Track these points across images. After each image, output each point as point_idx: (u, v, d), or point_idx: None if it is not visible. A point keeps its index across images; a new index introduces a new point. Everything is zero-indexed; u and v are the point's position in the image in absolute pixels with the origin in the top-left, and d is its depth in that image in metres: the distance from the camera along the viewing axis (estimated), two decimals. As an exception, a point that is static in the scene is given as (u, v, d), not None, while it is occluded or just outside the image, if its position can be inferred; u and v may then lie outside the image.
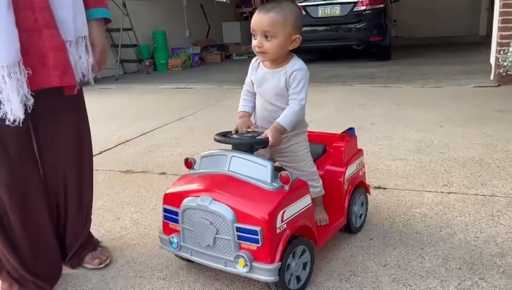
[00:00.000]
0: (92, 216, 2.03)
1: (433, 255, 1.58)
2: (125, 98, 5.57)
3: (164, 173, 2.60)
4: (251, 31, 1.48)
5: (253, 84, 1.59)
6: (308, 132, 1.72)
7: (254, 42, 1.48)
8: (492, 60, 5.05)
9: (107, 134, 3.54)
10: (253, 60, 1.60)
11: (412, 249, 1.63)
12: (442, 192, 2.13)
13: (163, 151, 3.06)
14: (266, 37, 1.45)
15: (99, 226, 1.95)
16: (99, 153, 3.02)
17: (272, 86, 1.52)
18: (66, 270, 1.59)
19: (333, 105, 4.29)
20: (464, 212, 1.91)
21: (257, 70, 1.57)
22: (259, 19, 1.45)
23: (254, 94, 1.61)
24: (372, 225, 1.84)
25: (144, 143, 3.29)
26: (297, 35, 1.47)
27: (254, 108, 1.62)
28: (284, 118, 1.46)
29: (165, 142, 3.27)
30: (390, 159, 2.63)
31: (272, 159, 1.57)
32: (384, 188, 2.21)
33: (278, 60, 1.51)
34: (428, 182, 2.26)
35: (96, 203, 2.18)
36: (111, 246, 1.76)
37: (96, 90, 6.39)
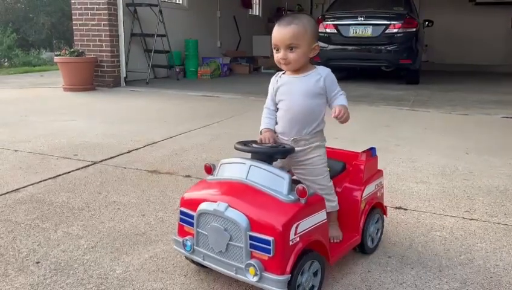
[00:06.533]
0: (118, 211, 2.13)
1: (451, 278, 1.59)
2: (154, 102, 5.71)
3: (189, 176, 2.67)
4: (273, 46, 1.56)
5: (275, 102, 1.64)
6: (329, 148, 1.74)
7: (278, 56, 1.56)
8: (523, 92, 5.00)
9: (136, 134, 3.64)
10: (273, 78, 1.66)
11: (430, 270, 1.64)
12: (463, 218, 2.13)
13: (189, 155, 3.14)
14: (290, 48, 1.53)
15: (125, 221, 2.02)
16: (127, 152, 3.11)
17: (300, 88, 1.57)
18: (91, 259, 1.66)
19: (358, 124, 4.31)
20: (485, 240, 1.90)
21: (279, 82, 1.63)
22: (281, 33, 1.53)
23: (275, 113, 1.65)
24: (390, 244, 1.85)
25: (170, 146, 3.38)
26: (317, 44, 1.57)
27: (275, 126, 1.66)
28: (342, 101, 1.57)
29: (190, 147, 3.35)
30: (413, 182, 2.63)
31: (289, 171, 1.58)
32: (405, 209, 2.22)
33: (301, 69, 1.58)
34: (450, 206, 2.26)
35: (122, 199, 2.28)
36: (135, 240, 1.83)
37: (127, 92, 6.57)
